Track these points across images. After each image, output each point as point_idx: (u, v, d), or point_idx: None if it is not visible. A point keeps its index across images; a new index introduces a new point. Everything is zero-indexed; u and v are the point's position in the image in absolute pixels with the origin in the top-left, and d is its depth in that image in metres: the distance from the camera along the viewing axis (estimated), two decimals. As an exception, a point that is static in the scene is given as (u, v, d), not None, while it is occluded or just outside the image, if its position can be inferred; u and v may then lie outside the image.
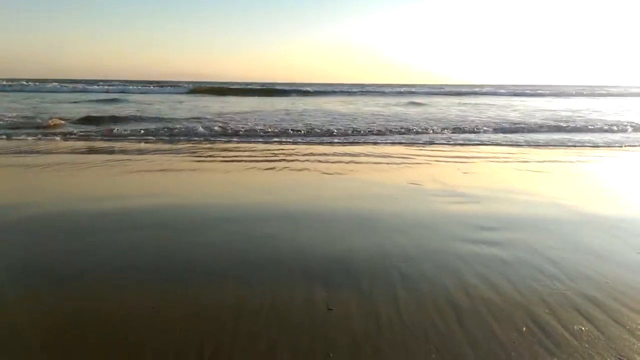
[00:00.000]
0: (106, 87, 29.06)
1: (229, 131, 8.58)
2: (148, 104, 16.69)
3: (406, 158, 5.96)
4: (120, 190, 4.06)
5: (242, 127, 9.03)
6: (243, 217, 3.11)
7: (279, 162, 5.45)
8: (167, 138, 7.74)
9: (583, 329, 1.69)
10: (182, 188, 4.14)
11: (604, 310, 1.82)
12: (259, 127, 9.08)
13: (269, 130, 8.73)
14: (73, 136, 7.75)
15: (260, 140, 7.69)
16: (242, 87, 31.83)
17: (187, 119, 10.64)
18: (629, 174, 5.31)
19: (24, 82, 30.34)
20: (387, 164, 5.55)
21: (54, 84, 30.87)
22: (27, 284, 2.05)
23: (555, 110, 14.96)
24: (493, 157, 6.17)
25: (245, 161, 5.58)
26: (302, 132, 8.71)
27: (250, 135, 8.29)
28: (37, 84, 29.67)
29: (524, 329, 1.69)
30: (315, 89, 32.23)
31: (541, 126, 10.00)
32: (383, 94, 29.48)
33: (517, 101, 22.09)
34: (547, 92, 33.66)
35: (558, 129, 9.72)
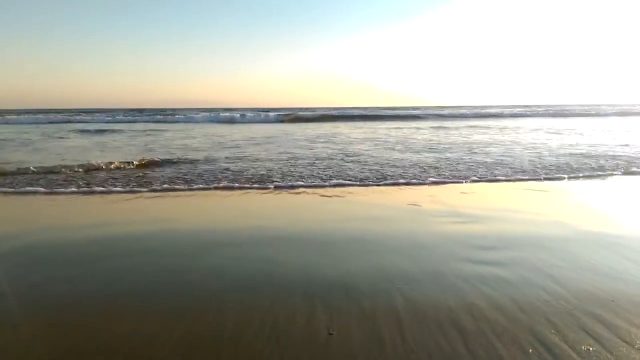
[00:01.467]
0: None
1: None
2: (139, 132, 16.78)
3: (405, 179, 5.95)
4: (118, 216, 4.04)
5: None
6: (241, 241, 3.08)
7: (278, 185, 5.44)
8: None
9: (591, 349, 1.65)
10: (180, 213, 4.11)
11: (611, 330, 1.78)
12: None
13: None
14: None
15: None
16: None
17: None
18: (632, 192, 5.30)
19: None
20: (386, 185, 5.54)
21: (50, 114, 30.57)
22: (24, 312, 2.01)
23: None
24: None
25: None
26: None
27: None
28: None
29: (531, 350, 1.65)
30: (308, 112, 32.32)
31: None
32: (418, 118, 26.07)
33: (546, 124, 18.59)
34: (552, 112, 33.10)
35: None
